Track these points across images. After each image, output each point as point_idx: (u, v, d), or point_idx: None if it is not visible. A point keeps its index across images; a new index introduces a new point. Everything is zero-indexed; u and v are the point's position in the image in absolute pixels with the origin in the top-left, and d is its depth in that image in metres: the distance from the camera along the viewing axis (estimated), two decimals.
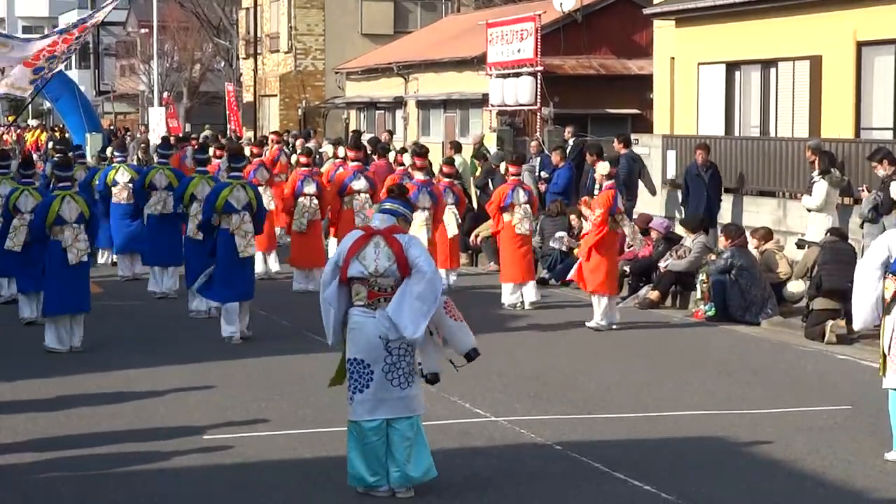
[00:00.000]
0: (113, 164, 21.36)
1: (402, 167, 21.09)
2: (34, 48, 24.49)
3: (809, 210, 17.68)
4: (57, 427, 10.66)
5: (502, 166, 21.94)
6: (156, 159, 20.41)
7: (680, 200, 21.32)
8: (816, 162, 17.73)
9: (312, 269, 18.79)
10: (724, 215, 21.32)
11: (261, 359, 13.67)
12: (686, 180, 20.69)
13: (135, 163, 27.84)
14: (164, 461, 9.57)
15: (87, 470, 9.37)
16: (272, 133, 32.92)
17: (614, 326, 15.85)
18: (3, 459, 9.66)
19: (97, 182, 20.81)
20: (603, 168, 16.25)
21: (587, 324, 15.83)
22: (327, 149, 30.39)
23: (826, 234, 16.06)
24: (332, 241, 19.91)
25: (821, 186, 17.32)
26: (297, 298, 18.21)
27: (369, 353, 8.57)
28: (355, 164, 19.44)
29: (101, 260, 21.85)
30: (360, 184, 18.97)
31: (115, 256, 21.20)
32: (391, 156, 24.50)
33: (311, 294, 17.61)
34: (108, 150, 25.79)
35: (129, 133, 49.81)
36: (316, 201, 19.02)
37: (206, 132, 39.63)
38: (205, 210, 15.24)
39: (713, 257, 17.19)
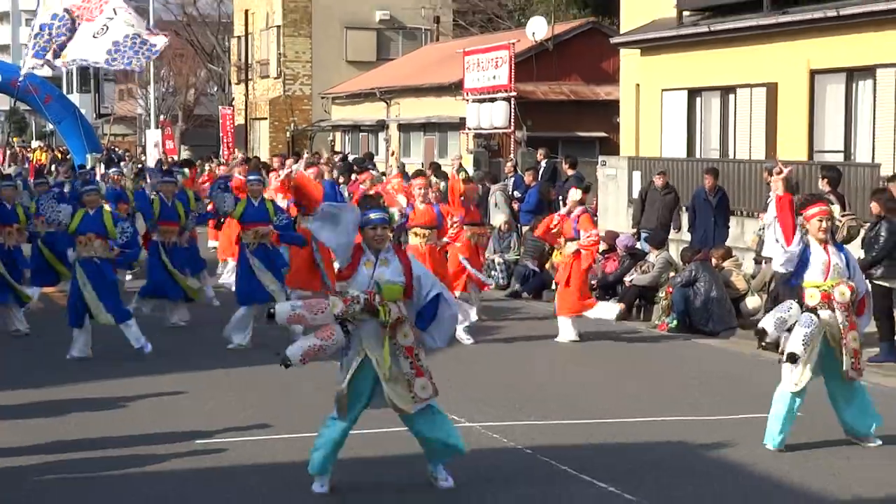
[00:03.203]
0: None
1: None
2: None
3: (768, 227, 17.64)
4: (52, 432, 10.58)
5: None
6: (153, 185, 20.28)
7: (687, 225, 20.29)
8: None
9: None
10: (687, 234, 21.38)
11: (252, 368, 13.57)
12: (693, 205, 19.81)
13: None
14: (156, 464, 9.54)
15: (83, 472, 9.32)
16: (276, 156, 32.67)
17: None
18: (14, 461, 9.61)
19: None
20: (575, 194, 15.79)
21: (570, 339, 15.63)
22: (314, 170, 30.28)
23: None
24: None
25: None
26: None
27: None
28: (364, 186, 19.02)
29: None
30: None
31: None
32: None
33: None
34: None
35: (127, 153, 49.76)
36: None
37: (186, 154, 39.64)
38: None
39: (672, 273, 17.26)
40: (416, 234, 15.39)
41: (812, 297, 9.95)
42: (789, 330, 9.96)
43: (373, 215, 8.61)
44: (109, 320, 14.11)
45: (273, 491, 8.88)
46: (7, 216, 16.23)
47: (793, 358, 9.80)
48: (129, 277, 20.15)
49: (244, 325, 14.90)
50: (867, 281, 13.72)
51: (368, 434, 9.08)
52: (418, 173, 17.26)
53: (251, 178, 15.56)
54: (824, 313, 9.89)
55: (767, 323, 10.05)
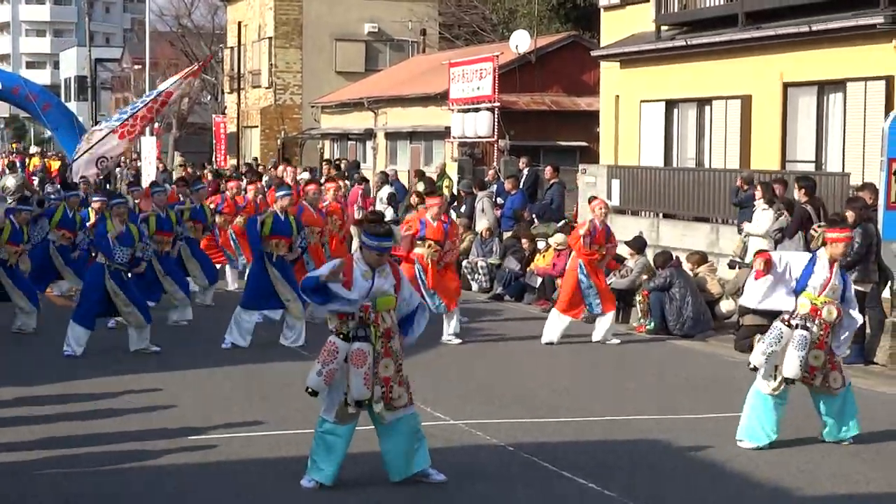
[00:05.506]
0: None
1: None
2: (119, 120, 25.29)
3: (751, 235, 17.58)
4: (48, 429, 10.52)
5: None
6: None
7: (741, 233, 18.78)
8: (761, 193, 17.47)
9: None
10: (664, 239, 21.43)
11: (246, 366, 13.57)
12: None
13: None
14: (151, 460, 9.50)
15: (79, 468, 9.28)
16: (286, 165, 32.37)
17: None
18: (12, 456, 9.58)
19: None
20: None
21: (611, 340, 15.66)
22: (304, 176, 30.28)
23: (754, 255, 16.04)
24: None
25: (768, 215, 17.24)
26: None
27: None
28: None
29: None
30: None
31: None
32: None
33: None
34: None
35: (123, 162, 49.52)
36: None
37: (178, 161, 39.42)
38: (251, 236, 15.19)
39: (645, 277, 17.25)
40: (428, 246, 15.34)
41: (803, 307, 9.97)
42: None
43: (383, 244, 8.57)
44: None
45: (265, 486, 8.86)
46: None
47: (789, 381, 9.86)
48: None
49: (247, 328, 14.84)
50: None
51: (357, 430, 9.03)
52: (431, 193, 16.92)
53: (280, 192, 15.43)
54: (812, 326, 9.92)
55: (758, 359, 10.04)
